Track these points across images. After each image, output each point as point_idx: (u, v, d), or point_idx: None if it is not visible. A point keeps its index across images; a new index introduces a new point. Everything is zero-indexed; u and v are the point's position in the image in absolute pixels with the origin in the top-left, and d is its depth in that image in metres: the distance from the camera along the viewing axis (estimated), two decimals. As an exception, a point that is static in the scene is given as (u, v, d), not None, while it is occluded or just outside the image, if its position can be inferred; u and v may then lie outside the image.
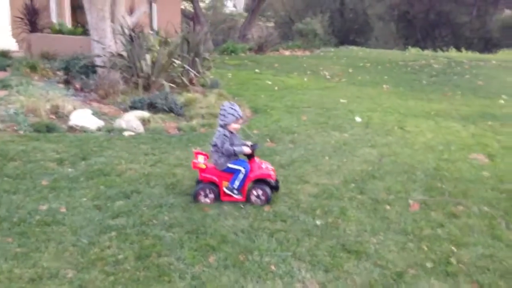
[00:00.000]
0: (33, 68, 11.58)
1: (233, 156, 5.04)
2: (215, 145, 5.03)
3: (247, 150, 5.03)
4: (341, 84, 14.72)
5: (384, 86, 14.46)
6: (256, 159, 5.19)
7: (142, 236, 4.10)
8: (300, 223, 4.57)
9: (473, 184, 5.96)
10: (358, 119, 9.73)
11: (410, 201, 5.33)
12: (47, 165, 5.82)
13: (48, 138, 7.03)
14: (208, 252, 3.88)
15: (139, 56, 10.48)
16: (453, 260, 3.96)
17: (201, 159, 5.15)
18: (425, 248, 4.18)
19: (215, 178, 5.01)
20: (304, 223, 4.59)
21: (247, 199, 5.01)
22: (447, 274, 3.74)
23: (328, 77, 16.19)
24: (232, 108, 4.99)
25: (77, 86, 10.84)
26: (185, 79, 11.18)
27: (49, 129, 7.54)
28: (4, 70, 12.06)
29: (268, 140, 7.89)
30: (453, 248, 4.21)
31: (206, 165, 5.04)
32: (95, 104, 9.36)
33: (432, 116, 10.41)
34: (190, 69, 11.38)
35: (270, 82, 14.15)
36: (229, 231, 4.30)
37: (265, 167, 5.15)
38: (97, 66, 10.96)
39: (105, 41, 11.02)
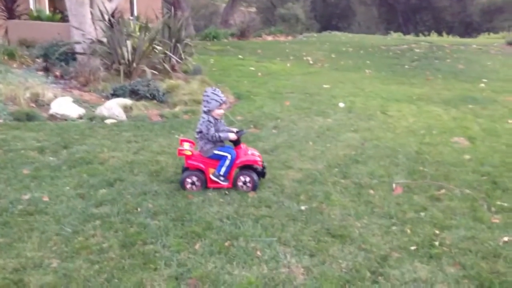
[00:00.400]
0: (11, 55, 11.38)
1: (219, 142, 5.02)
2: (200, 132, 5.00)
3: (233, 136, 5.01)
4: (324, 70, 14.74)
5: (367, 71, 14.52)
6: (243, 145, 5.17)
7: (127, 224, 4.07)
8: (284, 209, 4.59)
9: (454, 167, 6.03)
10: (341, 104, 9.76)
11: (393, 185, 5.38)
12: (28, 154, 5.73)
13: (28, 126, 6.92)
14: (194, 239, 3.87)
15: (119, 43, 10.33)
16: (436, 242, 4.01)
17: (186, 146, 5.12)
18: (409, 231, 4.23)
19: (201, 165, 4.99)
20: (288, 208, 4.60)
21: (234, 186, 5.01)
22: (430, 257, 3.79)
23: (311, 62, 16.20)
24: (214, 94, 4.96)
25: (57, 73, 10.68)
26: (167, 66, 11.08)
27: (30, 117, 7.42)
28: (-19, 57, 11.80)
29: (251, 126, 7.87)
30: (436, 231, 4.26)
31: (192, 152, 5.01)
32: (75, 92, 9.24)
33: (414, 100, 10.49)
34: (172, 55, 11.27)
35: (253, 68, 14.11)
36: (214, 217, 4.29)
37: (251, 153, 5.14)
38: (77, 53, 10.79)
39: (85, 27, 10.84)
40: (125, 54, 10.11)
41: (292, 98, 10.18)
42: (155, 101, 9.09)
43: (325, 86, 11.77)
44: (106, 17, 10.85)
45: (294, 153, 6.48)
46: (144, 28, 11.19)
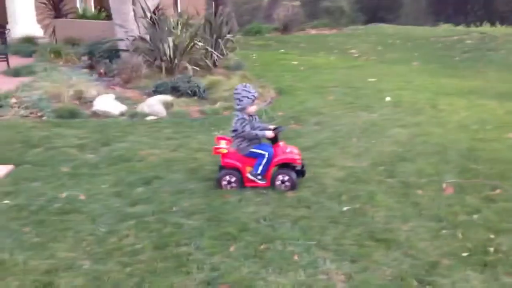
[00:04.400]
0: (58, 53, 11.57)
1: (255, 140, 4.84)
2: (235, 131, 4.84)
3: (270, 134, 4.82)
4: (370, 63, 14.32)
5: (414, 63, 14.00)
6: (281, 143, 4.97)
7: (161, 224, 3.96)
8: (325, 210, 4.36)
9: (510, 166, 5.61)
10: (387, 98, 9.38)
11: (443, 185, 5.05)
12: (68, 151, 5.74)
13: (70, 124, 6.97)
14: (229, 241, 3.71)
15: (161, 39, 10.31)
16: (490, 249, 3.69)
17: (223, 144, 4.97)
18: (460, 236, 3.91)
19: (238, 164, 4.83)
20: (329, 209, 4.37)
21: (272, 185, 4.82)
22: (484, 264, 3.47)
23: (356, 55, 15.80)
24: (245, 90, 4.77)
25: (101, 71, 10.77)
26: (208, 62, 10.98)
27: (72, 114, 7.48)
28: (30, 56, 12.08)
29: (292, 122, 7.65)
30: (490, 235, 3.93)
31: (228, 150, 4.86)
32: (118, 89, 9.27)
33: (466, 93, 9.97)
34: (213, 51, 11.17)
35: (295, 62, 13.86)
36: (250, 218, 4.12)
37: (289, 151, 4.93)
38: (120, 50, 10.86)
39: (128, 24, 10.90)
40: (167, 50, 10.08)
41: (335, 93, 9.89)
42: (195, 98, 8.99)
43: (370, 79, 11.38)
44: (148, 14, 10.86)
45: (336, 150, 6.22)
46: (186, 24, 11.13)
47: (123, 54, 10.76)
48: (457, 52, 16.11)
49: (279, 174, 4.81)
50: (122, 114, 7.87)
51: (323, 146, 6.36)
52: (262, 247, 3.64)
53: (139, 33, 10.96)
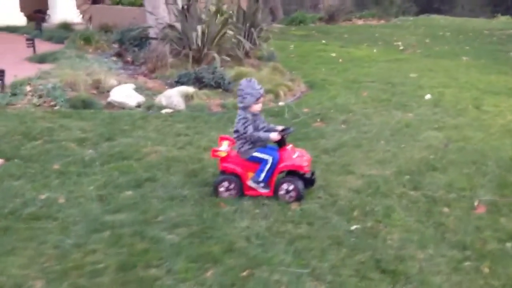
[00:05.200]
0: (88, 40, 11.35)
1: (259, 143, 4.30)
2: (236, 131, 4.32)
3: (275, 136, 4.27)
4: (415, 56, 13.40)
5: (464, 58, 12.98)
6: (289, 146, 4.42)
7: (137, 238, 3.50)
8: (330, 228, 3.79)
9: (559, 182, 4.85)
10: (427, 96, 8.59)
11: (476, 202, 4.36)
12: (67, 145, 5.38)
13: (81, 114, 6.63)
14: (208, 264, 3.21)
15: (191, 27, 9.87)
16: (522, 290, 3.04)
17: (224, 145, 4.47)
18: (486, 270, 3.27)
19: (237, 169, 4.31)
20: (335, 227, 3.79)
21: (275, 194, 4.28)
22: (511, 312, 2.84)
23: (401, 48, 14.87)
24: (249, 86, 4.23)
25: (129, 59, 10.49)
26: (238, 52, 10.46)
27: (86, 104, 7.15)
28: (62, 42, 11.95)
29: (318, 119, 7.04)
30: (524, 271, 3.26)
31: (228, 153, 4.34)
32: (141, 79, 8.91)
33: (516, 93, 9.02)
34: (244, 40, 10.64)
35: (334, 54, 13.14)
36: (241, 235, 3.61)
37: (297, 156, 4.37)
38: (149, 38, 10.51)
39: (158, 11, 10.54)
40: (195, 39, 9.62)
41: (371, 88, 9.16)
42: (220, 90, 8.50)
43: (412, 75, 10.56)
44: (179, 1, 10.43)
45: (359, 154, 5.60)
46: (217, 12, 10.64)
47: (152, 42, 10.41)
48: (513, 47, 14.92)
49: (283, 183, 4.26)
50: (138, 106, 7.48)
51: (345, 149, 5.74)
52: (244, 273, 3.12)
53: (170, 20, 10.57)
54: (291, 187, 4.23)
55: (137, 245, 3.39)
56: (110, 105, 7.42)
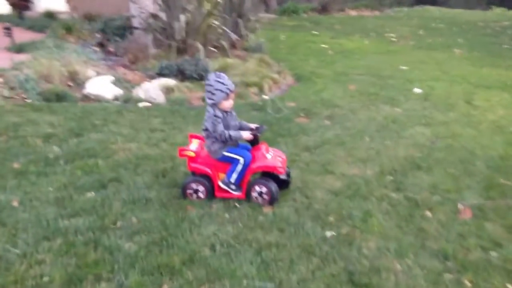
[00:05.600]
0: (70, 30, 10.98)
1: (230, 142, 4.02)
2: (206, 129, 4.03)
3: (246, 135, 3.98)
4: (407, 48, 13.10)
5: (456, 50, 12.69)
6: (263, 145, 4.13)
7: (91, 246, 3.22)
8: (302, 235, 3.52)
9: (550, 183, 4.60)
10: (416, 90, 8.32)
11: (460, 206, 4.10)
12: (31, 142, 5.09)
13: (52, 108, 6.32)
14: (163, 276, 2.94)
15: (175, 17, 9.53)
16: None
17: (194, 144, 4.18)
18: (468, 284, 3.01)
19: (207, 170, 4.03)
20: (308, 235, 3.52)
21: (248, 197, 4.00)
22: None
23: (393, 40, 14.55)
24: (219, 82, 3.94)
25: (111, 49, 10.15)
26: (224, 43, 10.12)
27: (59, 97, 6.84)
28: (44, 31, 11.57)
29: (302, 114, 6.76)
30: (509, 285, 3.01)
31: (197, 153, 4.06)
32: (121, 70, 8.58)
33: (509, 87, 8.76)
34: (229, 31, 10.30)
35: (325, 46, 12.82)
36: (206, 243, 3.33)
37: (271, 156, 4.09)
38: (132, 28, 10.16)
39: (142, 0, 10.17)
40: (177, 29, 9.28)
41: (359, 81, 8.88)
42: (202, 82, 8.19)
43: (402, 67, 10.27)
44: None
45: (341, 152, 5.33)
46: (202, 1, 10.28)
47: (135, 32, 10.07)
48: (506, 39, 14.62)
49: (256, 184, 3.99)
50: (116, 99, 7.18)
51: (327, 147, 5.47)
52: (202, 288, 2.86)
53: (154, 9, 10.21)
54: (264, 190, 3.96)
55: (90, 255, 3.11)
56: (86, 98, 7.11)
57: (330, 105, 7.26)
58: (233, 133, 3.96)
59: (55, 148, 4.95)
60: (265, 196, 3.96)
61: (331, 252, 3.30)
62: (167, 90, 7.55)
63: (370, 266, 3.16)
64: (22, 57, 8.43)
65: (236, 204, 3.93)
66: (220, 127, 3.94)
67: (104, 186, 4.16)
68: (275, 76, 8.81)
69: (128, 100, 7.07)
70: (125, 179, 4.31)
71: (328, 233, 3.56)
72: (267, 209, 3.88)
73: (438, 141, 5.77)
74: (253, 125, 4.17)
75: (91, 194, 3.99)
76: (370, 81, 8.99)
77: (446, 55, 12.02)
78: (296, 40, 13.58)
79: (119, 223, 3.55)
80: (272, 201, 3.95)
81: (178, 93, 7.51)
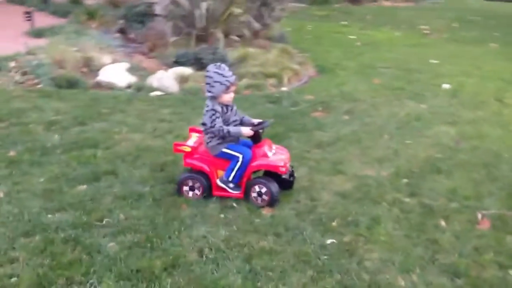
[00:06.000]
0: (92, 15, 10.86)
1: (229, 138, 3.75)
2: (203, 124, 3.78)
3: (247, 131, 3.71)
4: (439, 41, 12.54)
5: (492, 44, 12.07)
6: (266, 142, 3.85)
7: (70, 245, 3.01)
8: (299, 241, 3.23)
9: None
10: (445, 85, 7.87)
11: (479, 215, 3.74)
12: (33, 129, 4.94)
13: (61, 95, 6.18)
14: (142, 283, 2.71)
15: (196, 4, 9.28)
16: None
17: (193, 139, 3.94)
18: (478, 307, 2.68)
19: (204, 166, 3.77)
20: (306, 241, 3.23)
21: (246, 197, 3.74)
22: None
23: (425, 32, 13.97)
24: (218, 73, 3.67)
25: (131, 36, 9.99)
26: (246, 32, 9.82)
27: (71, 84, 6.71)
28: (66, 17, 11.50)
29: (319, 108, 6.43)
30: (525, 311, 2.67)
31: (194, 148, 3.81)
32: (138, 57, 8.41)
33: (546, 85, 8.20)
34: (252, 20, 9.98)
35: (353, 37, 12.39)
36: (194, 247, 3.09)
37: (273, 154, 3.80)
38: (152, 14, 9.96)
39: (163, -15, 9.96)
40: (197, 17, 9.03)
41: (384, 75, 8.47)
42: (220, 71, 7.92)
43: (432, 61, 9.79)
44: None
45: (356, 150, 5.00)
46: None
47: (156, 19, 9.86)
48: (548, 34, 13.85)
49: (255, 184, 3.72)
50: (128, 87, 7.00)
51: (341, 144, 5.15)
52: (180, 299, 2.61)
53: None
54: (264, 190, 3.68)
55: (66, 255, 2.90)
56: (98, 85, 6.96)
57: (350, 99, 6.91)
58: (232, 129, 3.69)
59: (56, 137, 4.79)
60: (264, 197, 3.68)
61: (329, 263, 3.00)
62: (182, 79, 7.33)
63: (370, 281, 2.86)
64: (39, 42, 8.36)
65: (234, 204, 3.67)
66: (218, 122, 3.67)
67: (98, 178, 3.96)
68: (296, 67, 8.48)
69: (141, 89, 6.88)
70: (121, 172, 4.10)
71: (329, 241, 3.26)
72: (266, 211, 3.61)
73: (463, 142, 5.38)
74: (255, 120, 3.90)
75: (82, 187, 3.80)
76: (397, 74, 8.57)
77: (480, 50, 11.43)
78: (323, 30, 13.18)
79: (105, 220, 3.34)
80: (272, 202, 3.67)
81: (192, 82, 7.27)
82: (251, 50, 8.98)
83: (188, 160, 3.79)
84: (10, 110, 5.37)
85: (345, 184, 4.19)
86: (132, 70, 7.55)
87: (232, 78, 3.69)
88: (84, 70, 7.35)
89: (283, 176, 3.83)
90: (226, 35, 9.77)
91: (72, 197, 3.62)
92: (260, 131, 3.77)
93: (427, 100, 7.06)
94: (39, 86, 6.55)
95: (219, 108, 3.68)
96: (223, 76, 3.65)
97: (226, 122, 3.73)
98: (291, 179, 3.91)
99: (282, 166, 3.70)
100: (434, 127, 5.86)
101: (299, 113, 6.19)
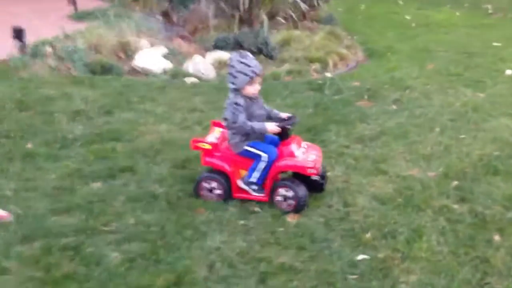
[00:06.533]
0: (136, -3, 10.66)
1: (254, 135, 3.36)
2: (225, 119, 3.41)
3: (272, 127, 3.31)
4: (504, 21, 11.50)
5: None
6: (294, 140, 3.44)
7: (70, 254, 2.75)
8: (325, 258, 2.83)
9: None
10: (509, 71, 7.10)
11: (543, 229, 3.19)
12: (57, 119, 4.74)
13: (93, 81, 5.98)
14: (137, 304, 2.40)
15: (241, -16, 8.87)
16: None
17: (215, 134, 3.59)
18: None
19: (224, 165, 3.41)
20: (332, 257, 2.82)
21: (271, 200, 3.36)
22: None
23: (490, 11, 12.90)
24: (242, 63, 3.28)
25: (174, 19, 9.72)
26: (293, 13, 9.30)
27: (105, 70, 6.50)
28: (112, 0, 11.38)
29: (365, 97, 5.91)
30: None
31: (214, 145, 3.45)
32: (178, 41, 8.08)
33: None
34: (299, 1, 9.45)
35: (408, 17, 11.57)
36: (204, 260, 2.75)
37: (301, 154, 3.38)
38: (196, -5, 9.64)
39: (209, -34, 9.59)
40: (241, -3, 8.60)
41: (440, 59, 7.77)
42: (262, 56, 7.50)
43: (496, 44, 8.92)
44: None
45: (402, 146, 4.49)
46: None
47: (200, 1, 9.53)
48: None
49: (281, 187, 3.32)
50: (164, 73, 6.73)
51: (385, 139, 4.65)
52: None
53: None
54: (290, 194, 3.28)
55: (62, 266, 2.63)
56: (133, 71, 6.72)
57: (400, 87, 6.32)
58: (256, 124, 3.31)
59: (79, 127, 4.56)
60: (290, 201, 3.29)
61: (357, 285, 2.58)
62: (220, 65, 6.98)
63: (404, 311, 2.43)
64: (80, 26, 8.21)
65: (256, 209, 3.30)
66: (241, 117, 3.29)
67: (113, 176, 3.69)
68: (344, 51, 7.92)
69: (176, 75, 6.58)
70: (139, 168, 3.82)
71: (360, 257, 2.84)
72: (291, 218, 3.22)
73: (527, 137, 4.74)
74: (284, 114, 3.50)
75: (95, 185, 3.55)
76: (454, 58, 7.84)
77: (552, 30, 10.38)
78: (377, 10, 12.40)
79: (113, 225, 3.06)
80: (298, 207, 3.28)
81: (231, 68, 6.89)
82: (296, 32, 8.50)
83: (208, 159, 3.44)
84: (39, 97, 5.20)
85: (385, 186, 3.73)
86: (169, 55, 7.27)
87: (258, 69, 3.29)
88: (121, 55, 7.14)
89: (313, 178, 3.41)
90: (272, 17, 9.33)
91: (82, 197, 3.36)
92: (288, 127, 3.36)
93: (487, 88, 6.36)
94: (72, 72, 6.38)
95: (242, 102, 3.30)
96: (248, 66, 3.26)
97: (250, 117, 3.34)
98: (322, 181, 3.49)
99: (310, 168, 3.28)
100: (493, 119, 5.22)
101: (342, 102, 5.70)
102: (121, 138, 4.37)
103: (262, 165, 3.32)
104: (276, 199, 3.33)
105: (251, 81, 3.28)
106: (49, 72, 6.25)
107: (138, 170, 3.78)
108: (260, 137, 3.42)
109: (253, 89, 3.33)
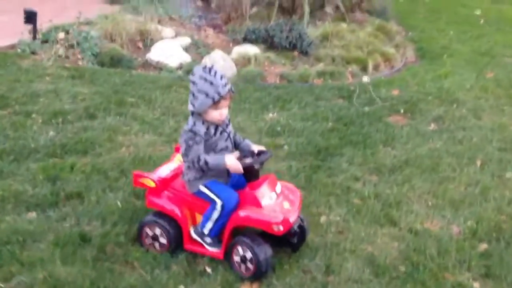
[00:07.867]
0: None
1: (211, 172, 2.61)
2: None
3: (232, 163, 2.54)
4: None
5: None
6: (267, 181, 2.64)
7: None
8: None
9: None
10: None
11: None
12: (31, 121, 4.17)
13: (94, 76, 5.42)
14: None
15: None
16: None
17: (172, 165, 2.88)
18: None
19: (174, 209, 2.69)
20: None
21: (227, 259, 2.61)
22: None
23: None
24: (205, 80, 2.51)
25: (212, 5, 9.03)
26: (341, 4, 8.32)
27: (114, 62, 5.94)
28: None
29: (401, 111, 4.99)
30: None
31: (163, 182, 2.72)
32: (205, 32, 7.39)
33: None
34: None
35: (478, 12, 10.24)
36: None
37: (270, 202, 2.58)
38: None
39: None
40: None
41: (504, 67, 6.65)
42: (295, 53, 6.67)
43: None
44: None
45: (426, 183, 3.61)
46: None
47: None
48: None
49: (239, 244, 2.56)
50: (180, 67, 6.08)
51: (409, 171, 3.77)
52: None
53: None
54: (249, 255, 2.52)
55: None
56: (147, 64, 6.11)
57: (447, 100, 5.35)
58: (211, 159, 2.55)
59: (49, 134, 3.98)
60: (249, 265, 2.53)
61: None
62: (243, 61, 6.23)
63: None
64: (109, 9, 7.69)
65: (207, 269, 2.57)
66: (195, 150, 2.54)
67: (56, 204, 3.07)
68: (390, 50, 6.96)
69: (191, 71, 5.89)
70: (90, 195, 3.17)
71: None
72: (247, 287, 2.46)
73: None
74: (257, 147, 2.72)
75: (29, 216, 2.94)
76: (521, 67, 6.68)
77: None
78: (443, 3, 11.11)
79: (15, 281, 2.42)
80: (258, 274, 2.51)
81: (254, 65, 6.13)
82: (341, 26, 7.57)
83: (152, 199, 2.72)
84: (24, 93, 4.68)
85: (388, 245, 2.89)
86: (191, 47, 6.62)
87: (225, 89, 2.51)
88: (139, 44, 6.55)
89: (293, 231, 2.63)
90: (320, 7, 8.45)
91: (3, 233, 2.75)
92: (255, 166, 2.58)
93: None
94: (80, 62, 5.86)
95: (201, 130, 2.55)
96: (212, 85, 2.50)
97: (211, 150, 2.60)
98: (294, 240, 2.69)
99: (277, 223, 2.48)
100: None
101: (370, 116, 4.83)
102: (89, 151, 3.75)
103: (215, 214, 2.57)
104: (233, 259, 2.58)
105: (215, 105, 2.52)
106: (54, 61, 5.75)
107: (87, 198, 3.14)
108: (223, 175, 2.66)
109: (218, 114, 2.56)
